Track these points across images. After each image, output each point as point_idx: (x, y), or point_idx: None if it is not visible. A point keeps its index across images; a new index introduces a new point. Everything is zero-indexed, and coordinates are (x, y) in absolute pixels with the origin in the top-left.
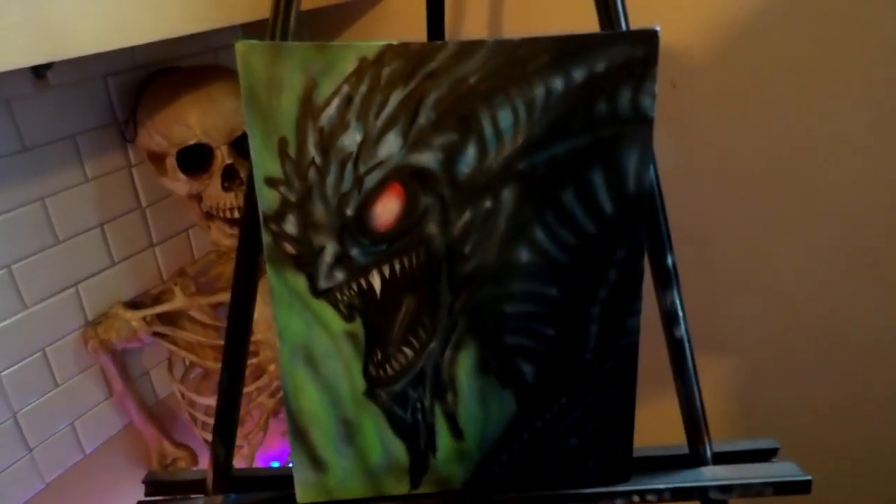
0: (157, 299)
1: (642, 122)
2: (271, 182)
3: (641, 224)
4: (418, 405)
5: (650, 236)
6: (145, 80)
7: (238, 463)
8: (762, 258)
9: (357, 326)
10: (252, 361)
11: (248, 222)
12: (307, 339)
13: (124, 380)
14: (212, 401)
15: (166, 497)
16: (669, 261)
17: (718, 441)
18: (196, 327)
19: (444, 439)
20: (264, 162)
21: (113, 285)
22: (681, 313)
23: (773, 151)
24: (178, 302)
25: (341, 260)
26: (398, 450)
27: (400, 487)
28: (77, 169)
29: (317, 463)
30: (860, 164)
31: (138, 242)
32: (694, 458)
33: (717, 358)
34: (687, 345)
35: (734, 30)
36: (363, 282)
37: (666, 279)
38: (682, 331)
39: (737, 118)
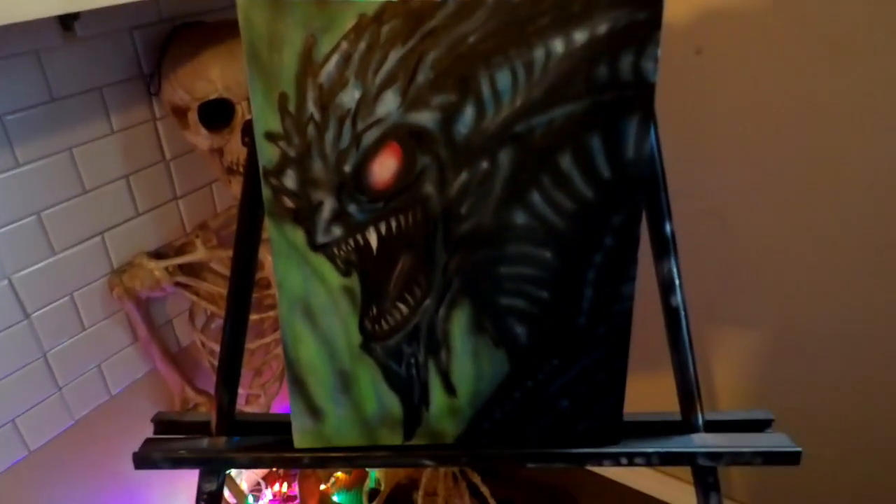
0: (180, 251)
1: (643, 87)
2: (271, 137)
3: (639, 191)
4: (412, 360)
5: (649, 203)
6: (170, 34)
7: (255, 411)
8: (777, 232)
9: (354, 282)
10: (271, 314)
11: (251, 175)
12: (305, 292)
13: (148, 327)
14: None
15: (173, 437)
16: (668, 229)
17: (712, 411)
18: (217, 279)
19: (437, 394)
20: (265, 117)
21: (137, 235)
22: (677, 282)
23: (797, 123)
24: (199, 254)
25: (339, 216)
26: (392, 402)
27: (394, 438)
28: (103, 121)
29: (314, 411)
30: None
31: (162, 195)
32: (686, 425)
33: (728, 333)
34: (683, 314)
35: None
36: (360, 238)
37: (663, 247)
38: (678, 299)
39: (763, 89)
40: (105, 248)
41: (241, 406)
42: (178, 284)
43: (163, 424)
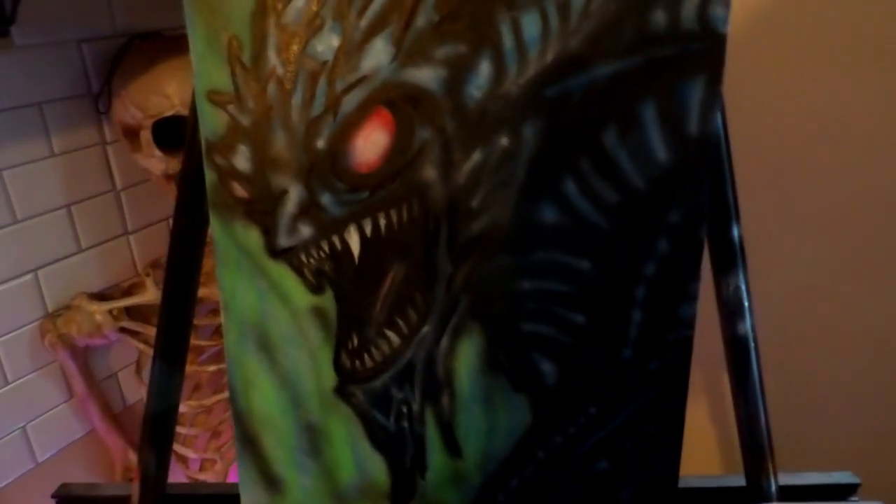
0: (128, 292)
1: (712, 40)
2: (217, 98)
3: (704, 179)
4: (404, 409)
5: (712, 198)
6: (124, 47)
7: (210, 480)
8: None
9: (327, 301)
10: None
11: (193, 154)
12: (261, 316)
13: (87, 381)
14: (184, 408)
15: None
16: (735, 233)
17: (784, 472)
18: None
19: (436, 456)
20: (208, 70)
21: (78, 274)
22: (746, 303)
23: (802, 146)
24: (149, 295)
25: (308, 210)
26: (376, 467)
27: None
28: (42, 141)
29: (270, 481)
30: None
31: (110, 228)
32: (754, 491)
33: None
34: (752, 345)
35: (766, 21)
36: (336, 241)
37: (729, 257)
38: (746, 326)
39: (778, 101)
40: (38, 287)
41: (195, 472)
42: (123, 331)
43: (67, 502)
